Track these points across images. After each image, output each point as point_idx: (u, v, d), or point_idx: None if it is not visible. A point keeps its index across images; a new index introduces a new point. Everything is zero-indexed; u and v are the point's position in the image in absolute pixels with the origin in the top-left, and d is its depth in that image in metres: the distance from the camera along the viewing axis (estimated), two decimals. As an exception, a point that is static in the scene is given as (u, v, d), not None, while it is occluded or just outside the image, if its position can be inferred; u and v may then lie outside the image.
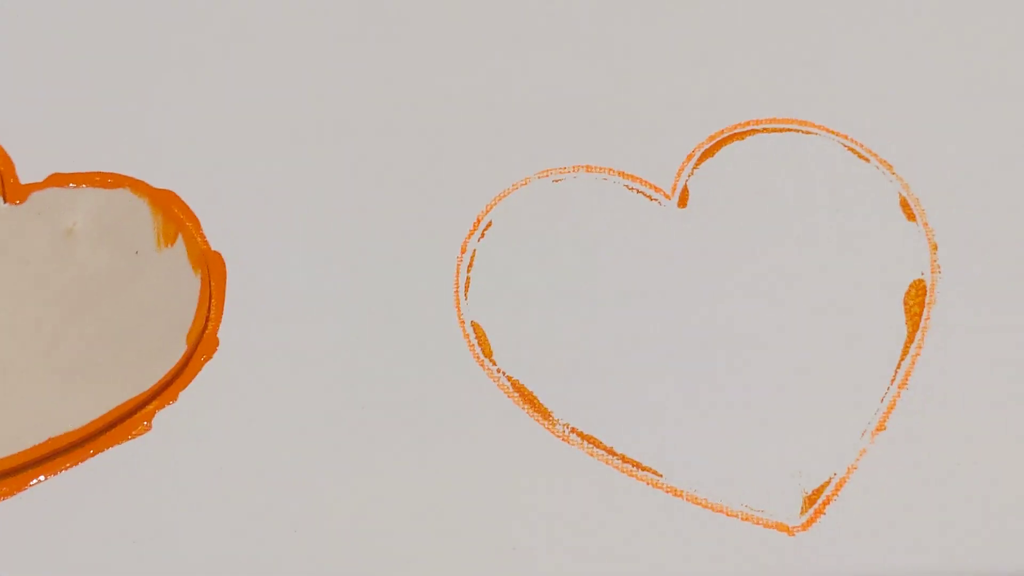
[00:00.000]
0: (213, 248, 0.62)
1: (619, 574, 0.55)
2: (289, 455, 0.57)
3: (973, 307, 0.60)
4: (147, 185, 0.64)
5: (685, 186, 0.64)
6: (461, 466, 0.57)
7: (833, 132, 0.65)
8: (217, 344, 0.60)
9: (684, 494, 0.56)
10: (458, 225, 0.63)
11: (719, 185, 0.64)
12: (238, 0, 0.69)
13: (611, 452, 0.57)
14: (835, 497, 0.56)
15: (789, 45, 0.67)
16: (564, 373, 0.59)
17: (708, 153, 0.64)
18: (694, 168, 0.64)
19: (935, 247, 0.62)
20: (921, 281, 0.61)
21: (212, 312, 0.61)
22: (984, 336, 0.60)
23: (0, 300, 0.60)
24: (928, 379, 0.59)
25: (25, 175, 0.64)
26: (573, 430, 0.58)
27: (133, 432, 0.58)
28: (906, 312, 0.60)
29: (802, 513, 0.56)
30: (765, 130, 0.65)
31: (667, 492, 0.57)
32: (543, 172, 0.64)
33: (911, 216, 0.63)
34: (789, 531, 0.56)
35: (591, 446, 0.57)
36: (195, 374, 0.59)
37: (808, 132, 0.65)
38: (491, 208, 0.63)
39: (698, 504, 0.56)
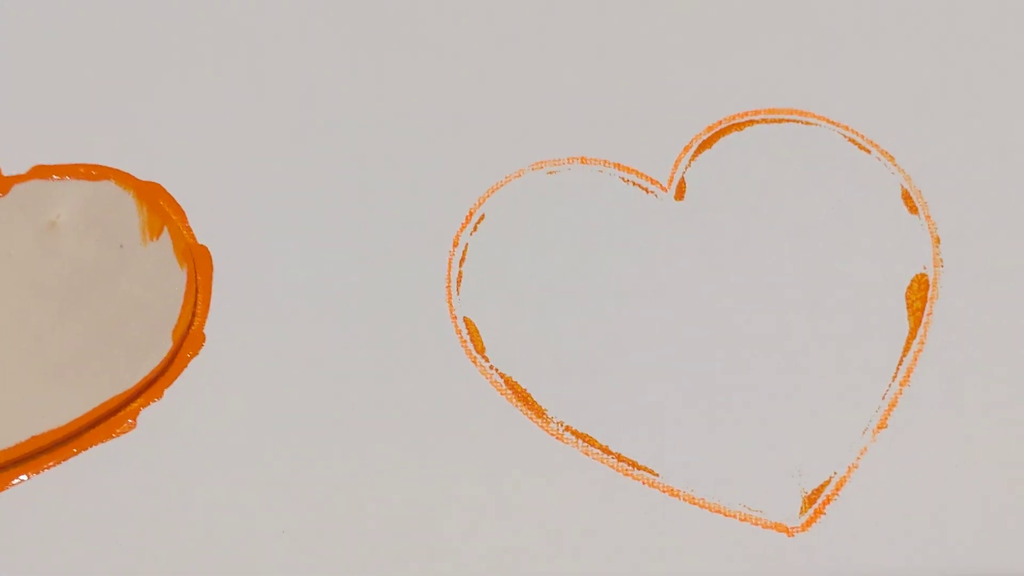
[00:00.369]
0: (199, 242, 0.62)
1: (615, 574, 0.54)
2: (277, 453, 0.56)
3: (976, 302, 0.60)
4: (132, 177, 0.63)
5: (682, 178, 0.63)
6: (453, 465, 0.56)
7: (833, 123, 0.64)
8: (203, 340, 0.59)
9: (681, 494, 0.55)
10: (450, 218, 0.62)
11: (717, 177, 0.63)
12: (225, -12, 0.68)
13: (606, 451, 0.56)
14: (835, 497, 0.55)
15: (788, 34, 0.66)
16: (558, 370, 0.58)
17: (706, 144, 0.64)
18: (691, 160, 0.63)
19: (937, 241, 0.61)
20: (923, 276, 0.60)
21: (198, 307, 0.60)
22: (988, 332, 0.59)
23: (-18, 295, 0.60)
24: (930, 376, 0.58)
25: (7, 167, 0.63)
26: (567, 428, 0.57)
27: (117, 430, 0.57)
28: (908, 307, 0.59)
29: (801, 513, 0.55)
30: (764, 121, 0.64)
31: (663, 492, 0.56)
32: (537, 164, 0.63)
33: (913, 209, 0.62)
34: (788, 532, 0.55)
35: (586, 444, 0.56)
36: (181, 371, 0.58)
37: (808, 123, 0.64)
38: (484, 201, 0.63)
39: (695, 504, 0.55)
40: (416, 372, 0.58)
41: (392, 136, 0.64)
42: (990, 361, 0.58)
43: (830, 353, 0.58)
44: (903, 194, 0.62)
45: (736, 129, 0.64)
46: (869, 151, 0.63)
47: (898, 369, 0.58)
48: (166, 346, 0.58)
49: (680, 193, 0.63)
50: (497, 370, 0.58)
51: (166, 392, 0.58)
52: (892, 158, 0.63)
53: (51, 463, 0.56)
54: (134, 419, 0.57)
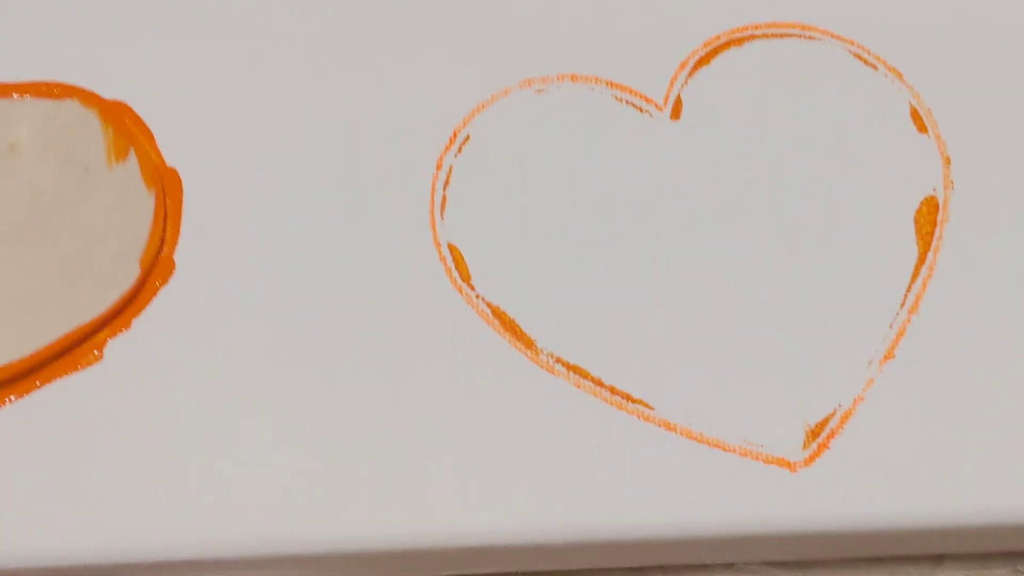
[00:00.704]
0: (168, 164, 0.59)
1: (608, 512, 0.52)
2: (250, 385, 0.54)
3: (988, 225, 0.58)
4: (97, 96, 0.60)
5: (679, 97, 0.61)
6: (437, 398, 0.54)
7: (838, 37, 0.62)
8: (173, 268, 0.57)
9: (678, 428, 0.53)
10: (433, 139, 0.60)
11: (715, 95, 0.61)
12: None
13: (599, 383, 0.54)
14: (840, 431, 0.53)
15: (790, -56, 0.64)
16: (548, 299, 0.56)
17: (703, 61, 0.62)
18: (688, 77, 0.61)
19: (948, 161, 0.59)
20: (933, 198, 0.58)
21: (167, 233, 0.58)
22: (1000, 256, 0.57)
23: (-63, 220, 0.58)
24: (940, 303, 0.56)
25: (-37, 85, 0.61)
26: (558, 360, 0.55)
27: (83, 362, 0.55)
28: (917, 231, 0.58)
29: (804, 448, 0.53)
30: (765, 36, 0.62)
31: (659, 426, 0.53)
32: (525, 82, 0.61)
33: (922, 128, 0.60)
34: (791, 467, 0.53)
35: (578, 377, 0.54)
36: (149, 300, 0.56)
37: (811, 38, 0.62)
38: (469, 121, 0.60)
39: (693, 439, 0.53)
40: (398, 301, 0.56)
41: (373, 53, 0.61)
42: (1002, 287, 0.56)
43: (834, 280, 0.56)
44: (911, 112, 0.60)
45: (735, 44, 0.62)
46: (876, 67, 0.61)
47: (906, 296, 0.56)
48: (133, 274, 0.56)
49: (676, 112, 0.61)
50: (483, 299, 0.56)
51: (133, 322, 0.56)
52: (900, 74, 0.61)
53: (12, 396, 0.54)
54: (100, 350, 0.55)
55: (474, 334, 0.55)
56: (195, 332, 0.55)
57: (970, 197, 0.58)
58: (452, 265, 0.57)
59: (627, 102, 0.61)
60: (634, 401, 0.54)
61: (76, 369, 0.54)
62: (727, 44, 0.62)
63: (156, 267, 0.57)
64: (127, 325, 0.55)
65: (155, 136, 0.60)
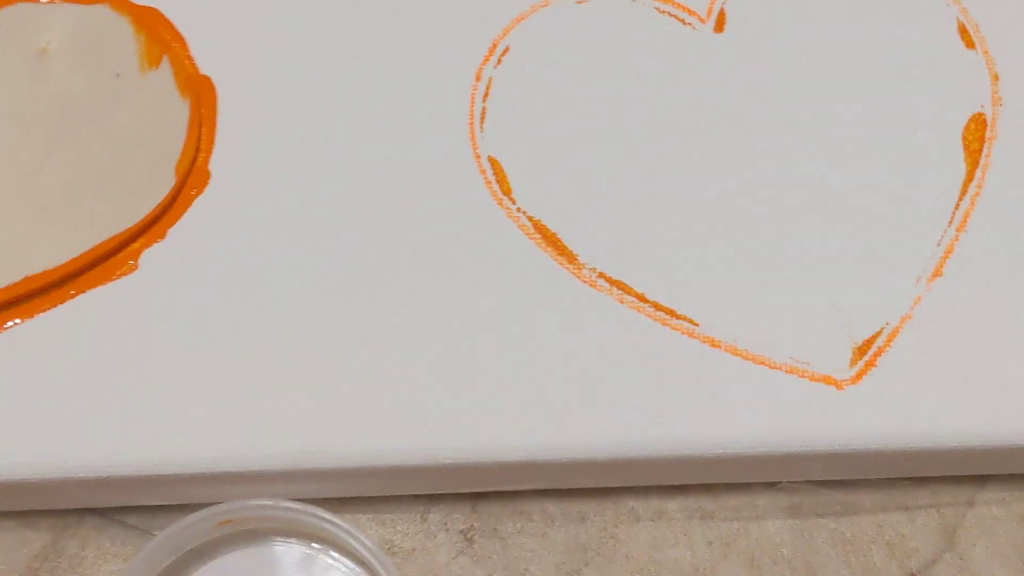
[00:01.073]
0: (202, 71, 0.58)
1: (650, 429, 0.51)
2: (288, 298, 0.53)
3: (1037, 143, 0.57)
4: (128, 1, 0.60)
5: (722, 9, 0.60)
6: (479, 314, 0.53)
7: None
8: (208, 177, 0.56)
9: (723, 345, 0.52)
10: (472, 50, 0.59)
11: (759, 8, 0.60)
12: None
13: (642, 299, 0.53)
14: (887, 348, 0.52)
15: None
16: (590, 213, 0.55)
17: None
18: (732, -10, 0.61)
19: (996, 77, 0.59)
20: (981, 115, 0.58)
21: (202, 142, 0.57)
22: (1049, 174, 0.56)
23: (-33, 128, 0.56)
24: (988, 221, 0.55)
25: (-8, -12, 0.59)
26: (601, 275, 0.54)
27: (117, 272, 0.54)
28: (965, 149, 0.57)
29: (851, 366, 0.52)
30: (812, -53, 0.61)
31: (704, 343, 0.52)
32: (565, -8, 0.60)
33: (970, 44, 0.59)
34: (837, 385, 0.52)
35: (620, 292, 0.53)
36: (185, 209, 0.55)
37: None
38: (508, 32, 0.60)
39: (738, 356, 0.52)
40: (438, 215, 0.55)
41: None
42: (1052, 206, 0.56)
43: (882, 197, 0.56)
44: (959, 28, 0.60)
45: (781, -44, 0.61)
46: (924, -18, 0.60)
47: (954, 214, 0.55)
48: (168, 183, 0.55)
49: (720, 25, 0.60)
50: (525, 212, 0.55)
51: (169, 232, 0.55)
52: (948, -10, 0.61)
53: (46, 306, 0.53)
54: (135, 260, 0.54)
55: (516, 248, 0.54)
56: (231, 242, 0.54)
57: (1018, 114, 0.58)
58: (492, 178, 0.56)
59: (669, 14, 0.60)
60: (678, 317, 0.53)
61: (112, 279, 0.54)
62: (773, -45, 0.61)
63: (191, 176, 0.56)
64: (163, 235, 0.54)
65: (188, 43, 0.59)
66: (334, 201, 0.55)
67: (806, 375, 0.52)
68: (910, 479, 0.53)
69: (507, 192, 0.55)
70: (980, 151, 0.56)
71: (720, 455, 0.51)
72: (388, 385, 0.51)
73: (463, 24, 0.59)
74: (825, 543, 0.52)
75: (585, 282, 0.54)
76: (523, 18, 0.60)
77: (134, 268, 0.54)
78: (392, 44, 0.59)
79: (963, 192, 0.56)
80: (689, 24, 0.59)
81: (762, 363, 0.52)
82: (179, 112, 0.57)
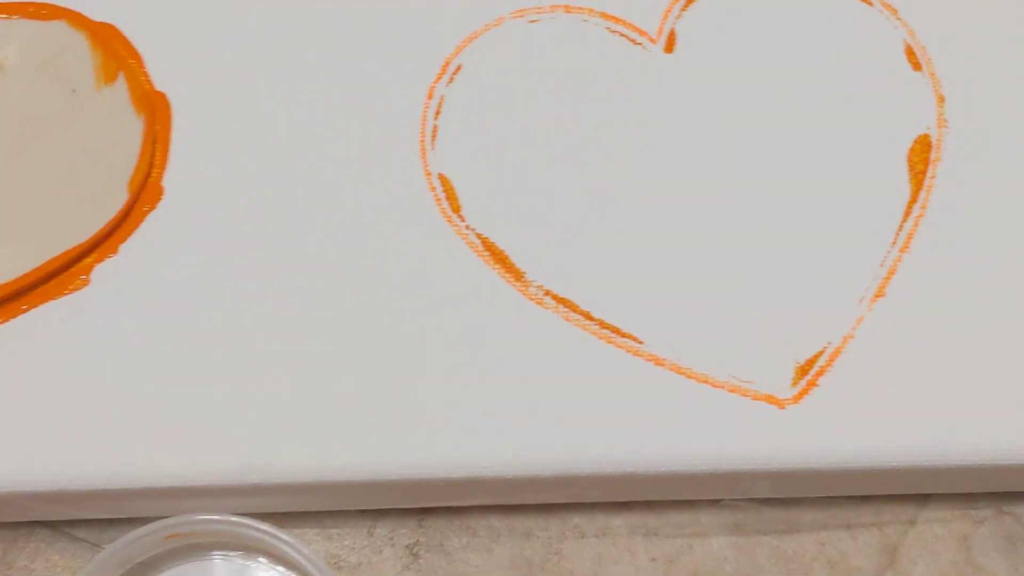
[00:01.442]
0: (157, 88, 0.59)
1: (594, 446, 0.51)
2: (238, 314, 0.54)
3: (981, 165, 0.57)
4: (86, 18, 0.60)
5: (672, 29, 0.60)
6: (427, 330, 0.53)
7: None
8: (162, 193, 0.56)
9: (667, 363, 0.53)
10: (424, 68, 0.59)
11: (709, 29, 0.61)
12: None
13: (588, 317, 0.54)
14: (829, 368, 0.53)
15: None
16: (538, 232, 0.56)
17: None
18: (682, 10, 0.61)
19: (942, 99, 0.59)
20: (926, 136, 0.58)
21: (156, 158, 0.57)
22: (992, 196, 0.57)
23: (-77, 141, 0.57)
24: (931, 242, 0.56)
25: (-51, 4, 0.60)
26: (547, 292, 0.54)
27: (69, 287, 0.54)
28: (909, 170, 0.57)
29: (793, 385, 0.53)
30: (760, -30, 0.61)
31: (648, 361, 0.53)
32: (517, 12, 0.61)
33: (917, 66, 0.60)
34: (779, 404, 0.52)
35: (567, 310, 0.54)
36: (137, 225, 0.56)
37: None
38: (461, 50, 0.60)
39: (682, 374, 0.53)
40: (388, 231, 0.55)
41: (365, -20, 0.61)
42: (994, 227, 0.56)
43: (826, 217, 0.56)
44: (906, 50, 0.60)
45: (731, -22, 0.61)
46: (871, 3, 0.61)
47: (897, 235, 0.56)
48: (122, 198, 0.56)
49: (670, 45, 0.60)
50: (474, 230, 0.56)
51: (121, 248, 0.55)
52: (895, 11, 0.61)
53: (-2, 320, 0.54)
54: (88, 275, 0.54)
55: (464, 265, 0.55)
56: (183, 258, 0.55)
57: (963, 136, 0.58)
58: (443, 195, 0.56)
59: (620, 34, 0.60)
60: (623, 335, 0.53)
61: (63, 294, 0.54)
62: (723, -22, 0.61)
63: (145, 191, 0.56)
64: (115, 250, 0.55)
65: (144, 59, 0.59)
66: (285, 217, 0.55)
67: (749, 394, 0.52)
68: (852, 497, 0.54)
69: (457, 210, 0.56)
70: (925, 172, 0.57)
71: (664, 472, 0.51)
72: (334, 401, 0.52)
73: (415, 42, 0.60)
74: (767, 560, 0.53)
75: (532, 300, 0.54)
76: (475, 36, 0.60)
77: (86, 283, 0.54)
78: (345, 61, 0.59)
79: (907, 213, 0.56)
80: (639, 44, 0.60)
81: (705, 381, 0.52)
82: (134, 128, 0.57)
